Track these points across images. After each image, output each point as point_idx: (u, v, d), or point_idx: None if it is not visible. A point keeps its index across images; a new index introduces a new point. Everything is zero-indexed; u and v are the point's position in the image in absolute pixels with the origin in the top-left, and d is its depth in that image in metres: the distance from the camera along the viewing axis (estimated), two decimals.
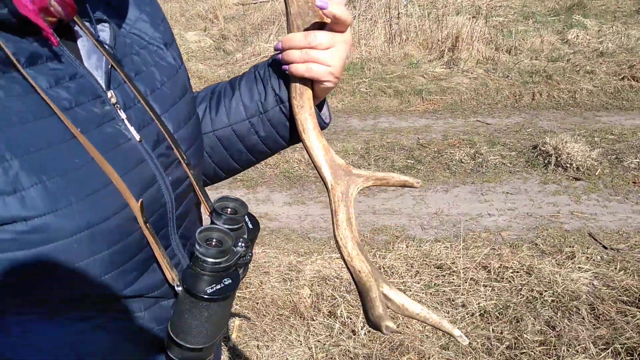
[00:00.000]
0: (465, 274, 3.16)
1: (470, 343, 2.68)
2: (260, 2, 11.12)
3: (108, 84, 0.72)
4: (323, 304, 2.98)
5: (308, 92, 0.90)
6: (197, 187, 0.82)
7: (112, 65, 0.73)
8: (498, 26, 8.08)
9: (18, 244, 0.60)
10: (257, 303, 3.03)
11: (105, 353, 0.75)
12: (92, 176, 0.65)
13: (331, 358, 2.65)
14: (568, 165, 4.34)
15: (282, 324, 2.90)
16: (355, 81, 6.61)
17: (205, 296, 0.73)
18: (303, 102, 0.90)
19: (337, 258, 3.41)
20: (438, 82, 6.41)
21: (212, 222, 0.79)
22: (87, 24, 0.73)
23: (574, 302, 2.86)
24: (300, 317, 2.92)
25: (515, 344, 2.65)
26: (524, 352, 2.59)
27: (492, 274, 3.18)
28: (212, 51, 8.77)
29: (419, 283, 3.11)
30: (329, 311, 2.94)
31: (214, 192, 4.59)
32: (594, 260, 3.25)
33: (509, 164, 4.60)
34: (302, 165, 4.84)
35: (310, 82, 0.90)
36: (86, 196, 0.64)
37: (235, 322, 2.93)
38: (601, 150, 4.54)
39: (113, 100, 0.72)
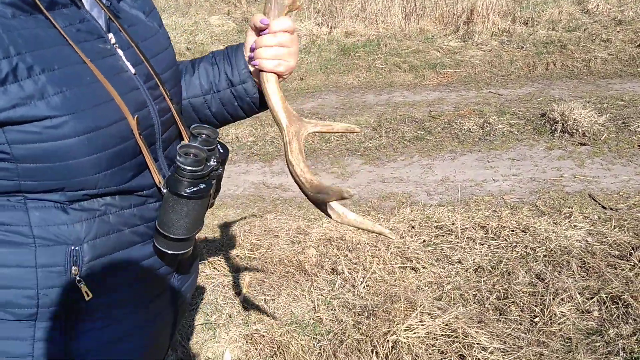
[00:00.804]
0: (463, 233, 3.32)
1: (462, 294, 2.85)
2: None
3: (108, 29, 0.96)
4: (326, 262, 3.18)
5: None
6: (177, 118, 1.06)
7: (109, 17, 0.97)
8: None
9: (45, 136, 0.84)
10: (266, 262, 3.25)
11: (100, 237, 0.97)
12: (99, 92, 0.89)
13: (332, 309, 2.85)
14: (574, 131, 4.42)
15: (288, 280, 3.11)
16: (371, 57, 6.74)
17: (185, 194, 0.97)
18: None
19: None
20: (452, 56, 6.49)
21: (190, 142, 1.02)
22: None
23: (565, 257, 2.99)
24: (305, 273, 3.13)
25: (504, 294, 2.80)
26: (512, 302, 2.75)
27: (490, 233, 3.32)
28: (235, 34, 8.98)
29: (417, 242, 3.28)
30: (332, 268, 3.14)
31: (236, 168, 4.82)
32: (590, 219, 3.35)
33: (516, 132, 4.70)
34: (316, 139, 5.03)
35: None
36: (94, 106, 0.88)
37: (245, 279, 3.15)
38: (609, 116, 4.59)
39: (113, 40, 0.96)
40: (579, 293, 2.73)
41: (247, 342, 2.72)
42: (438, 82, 6.14)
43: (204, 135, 1.02)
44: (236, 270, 3.24)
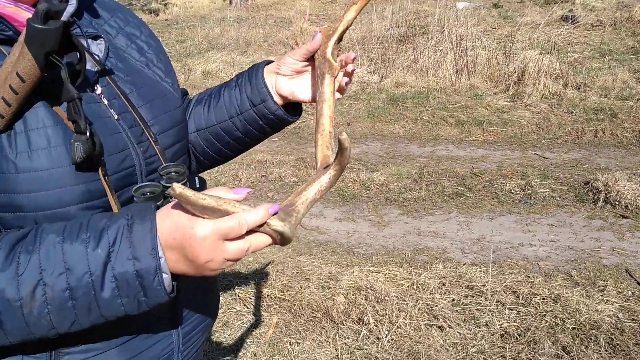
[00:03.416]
0: (493, 296, 3.32)
1: (485, 359, 2.84)
2: None
3: (97, 81, 1.04)
4: (354, 310, 3.23)
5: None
6: (162, 160, 1.10)
7: (100, 70, 1.06)
8: (572, 62, 8.09)
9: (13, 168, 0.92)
10: (295, 305, 3.32)
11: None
12: (69, 133, 0.94)
13: (354, 359, 2.89)
14: (617, 203, 4.38)
15: (315, 325, 3.17)
16: (418, 109, 6.84)
17: None
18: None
19: (374, 272, 3.66)
20: (500, 115, 6.53)
21: (158, 182, 1.04)
22: (81, 39, 1.04)
23: (594, 331, 2.96)
24: (332, 320, 3.18)
25: None
26: None
27: (520, 298, 3.31)
28: None
29: (446, 300, 3.30)
30: (359, 318, 3.19)
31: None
32: (624, 295, 3.31)
33: (558, 198, 4.68)
34: (357, 185, 5.12)
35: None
36: (62, 146, 0.93)
37: (273, 320, 3.23)
38: None
39: (98, 91, 1.03)
40: None
41: None
42: (483, 140, 6.17)
43: (172, 174, 1.05)
44: (265, 310, 3.32)
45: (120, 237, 0.87)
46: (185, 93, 1.38)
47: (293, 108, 1.33)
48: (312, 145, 6.33)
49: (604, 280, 3.47)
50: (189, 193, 0.82)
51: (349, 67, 1.21)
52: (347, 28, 1.17)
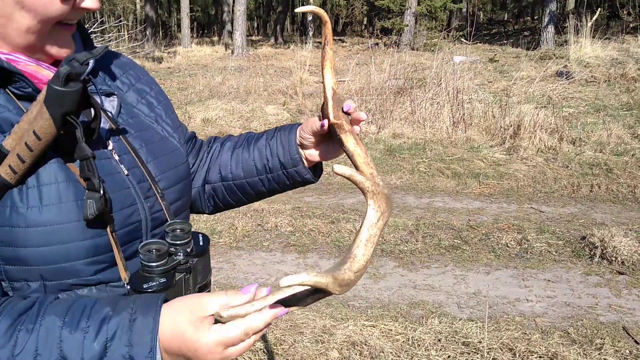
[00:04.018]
0: (489, 354, 3.27)
1: None
2: (339, 80, 11.79)
3: (109, 137, 1.06)
4: None
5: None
6: (167, 215, 1.12)
7: (113, 127, 1.08)
8: (567, 117, 8.21)
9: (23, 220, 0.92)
10: None
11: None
12: (81, 190, 0.96)
13: None
14: (613, 259, 4.37)
15: None
16: (415, 160, 6.89)
17: (142, 290, 0.97)
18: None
19: (369, 326, 3.61)
20: (496, 167, 6.58)
21: (163, 238, 1.04)
22: (95, 96, 1.05)
23: None
24: None
25: None
26: None
27: (517, 356, 3.26)
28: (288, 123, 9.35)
29: (441, 357, 3.25)
30: None
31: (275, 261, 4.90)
32: (622, 353, 3.26)
33: (554, 252, 4.67)
34: (353, 236, 5.10)
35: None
36: (73, 202, 0.95)
37: None
38: None
39: (110, 147, 1.06)
40: None
41: None
42: (480, 192, 6.20)
43: (177, 231, 1.05)
44: None
45: (120, 333, 0.86)
46: (193, 136, 1.41)
47: (314, 167, 1.37)
48: (310, 195, 6.36)
49: (601, 338, 3.43)
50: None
51: (362, 116, 1.22)
52: (334, 91, 1.19)
